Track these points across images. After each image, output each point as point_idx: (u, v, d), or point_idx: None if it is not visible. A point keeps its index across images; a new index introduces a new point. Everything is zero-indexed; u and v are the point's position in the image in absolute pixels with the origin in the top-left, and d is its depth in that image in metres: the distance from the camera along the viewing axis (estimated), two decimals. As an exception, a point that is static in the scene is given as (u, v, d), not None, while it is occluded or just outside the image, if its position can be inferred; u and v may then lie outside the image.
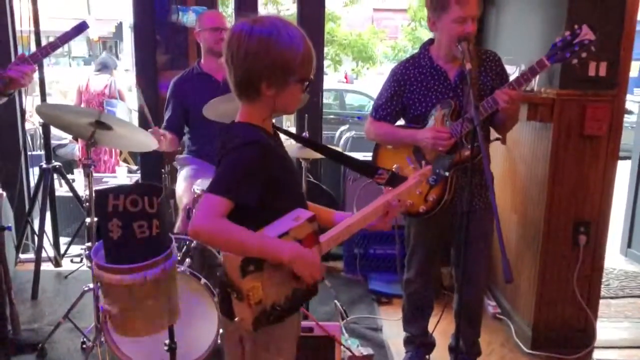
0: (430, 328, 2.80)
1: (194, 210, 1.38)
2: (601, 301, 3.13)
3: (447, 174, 2.44)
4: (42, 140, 4.35)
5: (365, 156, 3.58)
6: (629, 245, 4.53)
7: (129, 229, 1.71)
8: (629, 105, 8.58)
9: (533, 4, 3.11)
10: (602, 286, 3.16)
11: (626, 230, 4.57)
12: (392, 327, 3.19)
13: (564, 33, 2.26)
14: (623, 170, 4.26)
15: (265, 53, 1.45)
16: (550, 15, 2.90)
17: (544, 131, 2.90)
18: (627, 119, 7.28)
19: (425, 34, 13.66)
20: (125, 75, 7.14)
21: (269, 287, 1.47)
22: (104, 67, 5.97)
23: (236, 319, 1.49)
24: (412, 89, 2.50)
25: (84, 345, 2.79)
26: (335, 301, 3.29)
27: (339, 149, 2.02)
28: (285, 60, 1.46)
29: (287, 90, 1.50)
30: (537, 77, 2.82)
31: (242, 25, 1.48)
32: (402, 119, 2.62)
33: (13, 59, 3.88)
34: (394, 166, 2.52)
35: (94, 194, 2.64)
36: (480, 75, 2.45)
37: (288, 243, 1.45)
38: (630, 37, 2.74)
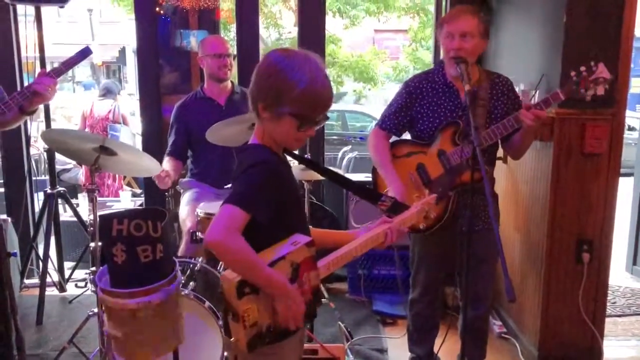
0: (435, 348, 2.78)
1: (211, 220, 1.41)
2: (608, 319, 3.11)
3: (450, 193, 2.46)
4: (46, 166, 4.39)
5: (367, 177, 3.59)
6: (634, 263, 4.51)
7: (133, 253, 1.72)
8: (630, 121, 8.62)
9: (531, 23, 3.15)
10: (608, 304, 3.15)
11: (631, 247, 4.54)
12: (397, 348, 3.17)
13: (578, 68, 2.30)
14: (626, 187, 4.27)
15: (266, 76, 1.52)
16: (548, 34, 2.94)
17: (544, 150, 2.91)
18: (629, 135, 7.31)
19: (426, 55, 13.75)
20: (129, 100, 7.21)
21: (265, 310, 1.48)
22: (108, 92, 6.05)
23: (232, 340, 1.51)
24: (422, 103, 2.53)
25: (89, 371, 2.79)
26: (340, 322, 3.28)
27: (341, 172, 2.03)
28: (279, 89, 1.50)
29: (280, 121, 1.54)
30: (537, 96, 2.85)
31: (273, 51, 1.57)
32: (408, 132, 2.65)
33: (19, 85, 3.94)
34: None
35: (98, 219, 2.66)
36: (491, 99, 2.48)
37: (287, 284, 1.48)
38: (627, 54, 2.77)
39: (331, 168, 2.11)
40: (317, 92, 1.52)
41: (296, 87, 1.49)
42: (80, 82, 18.37)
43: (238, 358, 1.62)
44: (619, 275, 4.40)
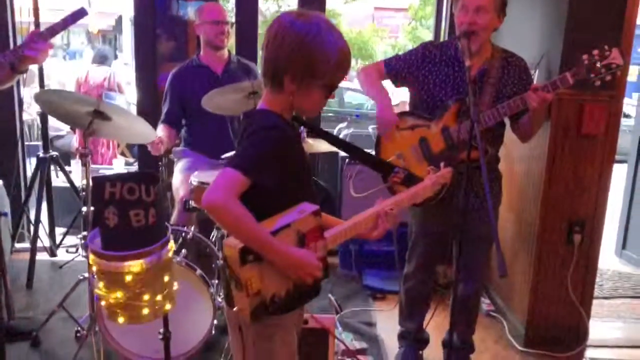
0: (424, 324, 2.81)
1: (211, 182, 1.38)
2: (594, 301, 3.14)
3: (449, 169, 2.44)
4: (39, 131, 4.35)
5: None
6: (624, 247, 4.55)
7: (125, 217, 1.70)
8: (627, 109, 8.59)
9: (534, 5, 3.11)
10: (596, 286, 3.17)
11: (621, 231, 4.58)
12: (386, 322, 3.20)
13: (591, 51, 2.23)
14: (620, 174, 4.28)
15: (297, 48, 1.45)
16: (550, 13, 2.91)
17: (541, 130, 2.88)
18: (625, 122, 7.31)
19: (426, 34, 13.66)
20: (124, 69, 7.12)
21: (269, 278, 1.45)
22: (103, 58, 5.96)
23: (234, 309, 1.48)
24: (432, 69, 2.49)
25: (78, 334, 2.80)
26: (330, 295, 3.30)
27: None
28: (314, 62, 1.46)
29: (309, 91, 1.50)
30: (537, 75, 2.83)
31: (286, 15, 1.51)
32: (409, 98, 2.62)
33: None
34: (396, 153, 2.52)
35: (90, 182, 2.64)
36: (501, 78, 2.43)
37: (287, 248, 1.44)
38: (629, 38, 2.75)
39: (343, 139, 2.07)
40: (347, 60, 1.51)
41: (331, 59, 1.46)
42: (67, 50, 18.08)
43: (242, 328, 1.58)
44: (608, 258, 4.44)
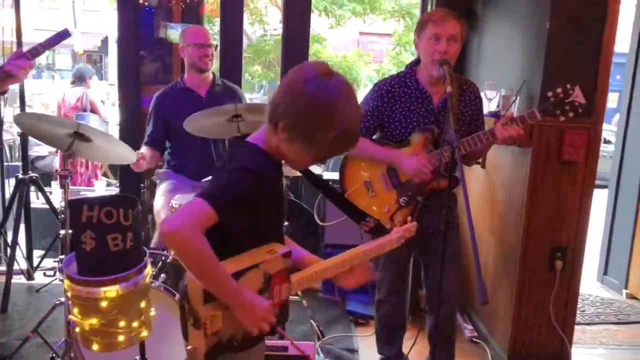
0: (405, 350, 2.78)
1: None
2: (576, 327, 3.14)
3: (418, 199, 2.46)
4: (20, 152, 4.29)
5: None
6: (605, 273, 4.57)
7: (102, 241, 1.68)
8: (607, 135, 8.74)
9: (514, 30, 3.16)
10: (578, 312, 3.18)
11: (602, 257, 4.61)
12: (368, 348, 3.16)
13: (555, 89, 2.32)
14: (601, 199, 4.32)
15: (304, 107, 1.39)
16: (530, 41, 2.95)
17: (522, 156, 2.93)
18: (605, 148, 7.42)
19: (410, 59, 13.81)
20: (101, 85, 7.08)
21: (229, 319, 1.40)
22: (78, 79, 5.92)
23: (189, 347, 1.42)
24: (394, 107, 2.49)
25: (53, 361, 2.72)
26: (312, 321, 3.26)
27: (331, 184, 1.96)
28: (314, 127, 1.39)
29: (299, 149, 1.44)
30: (517, 102, 2.86)
31: (315, 66, 1.43)
32: (379, 132, 2.62)
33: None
34: (364, 180, 2.53)
35: (68, 204, 2.60)
36: (460, 104, 2.48)
37: (243, 292, 1.38)
38: (607, 64, 2.80)
39: (323, 178, 2.04)
40: (350, 137, 1.44)
41: (332, 131, 1.39)
42: (62, 70, 18.06)
43: None
44: (589, 284, 4.46)
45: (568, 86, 2.31)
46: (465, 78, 2.61)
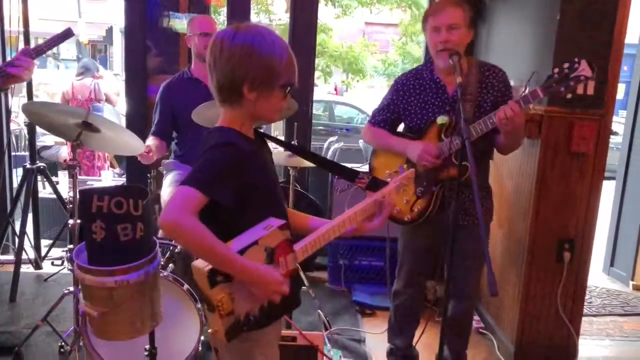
0: (413, 341, 2.79)
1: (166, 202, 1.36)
2: (583, 319, 3.14)
3: (433, 188, 2.45)
4: (26, 142, 4.31)
5: (353, 167, 3.57)
6: (612, 264, 4.56)
7: (112, 231, 1.68)
8: (615, 126, 8.68)
9: (524, 20, 3.14)
10: (585, 304, 3.17)
11: (609, 249, 4.60)
12: (375, 339, 3.17)
13: (562, 65, 2.25)
14: (608, 191, 4.30)
15: (248, 57, 1.47)
16: (540, 31, 2.93)
17: (531, 147, 2.91)
18: (613, 139, 7.38)
19: (416, 49, 13.76)
20: (114, 80, 7.06)
21: (241, 297, 1.43)
22: (86, 71, 5.91)
23: (209, 331, 1.46)
24: (410, 100, 2.52)
25: (62, 350, 2.73)
26: (319, 311, 3.27)
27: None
28: (269, 65, 1.48)
29: (269, 96, 1.52)
30: (527, 92, 2.84)
31: (225, 31, 1.51)
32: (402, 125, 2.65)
33: (0, 59, 3.85)
34: (387, 172, 2.55)
35: (78, 194, 2.61)
36: (481, 92, 2.44)
37: (249, 264, 1.41)
38: (618, 56, 2.78)
39: (311, 150, 2.07)
40: (292, 57, 1.54)
41: (282, 58, 1.50)
42: (66, 59, 18.04)
43: (218, 351, 1.56)
44: (596, 275, 4.45)
45: (575, 59, 2.23)
46: (491, 64, 2.54)
